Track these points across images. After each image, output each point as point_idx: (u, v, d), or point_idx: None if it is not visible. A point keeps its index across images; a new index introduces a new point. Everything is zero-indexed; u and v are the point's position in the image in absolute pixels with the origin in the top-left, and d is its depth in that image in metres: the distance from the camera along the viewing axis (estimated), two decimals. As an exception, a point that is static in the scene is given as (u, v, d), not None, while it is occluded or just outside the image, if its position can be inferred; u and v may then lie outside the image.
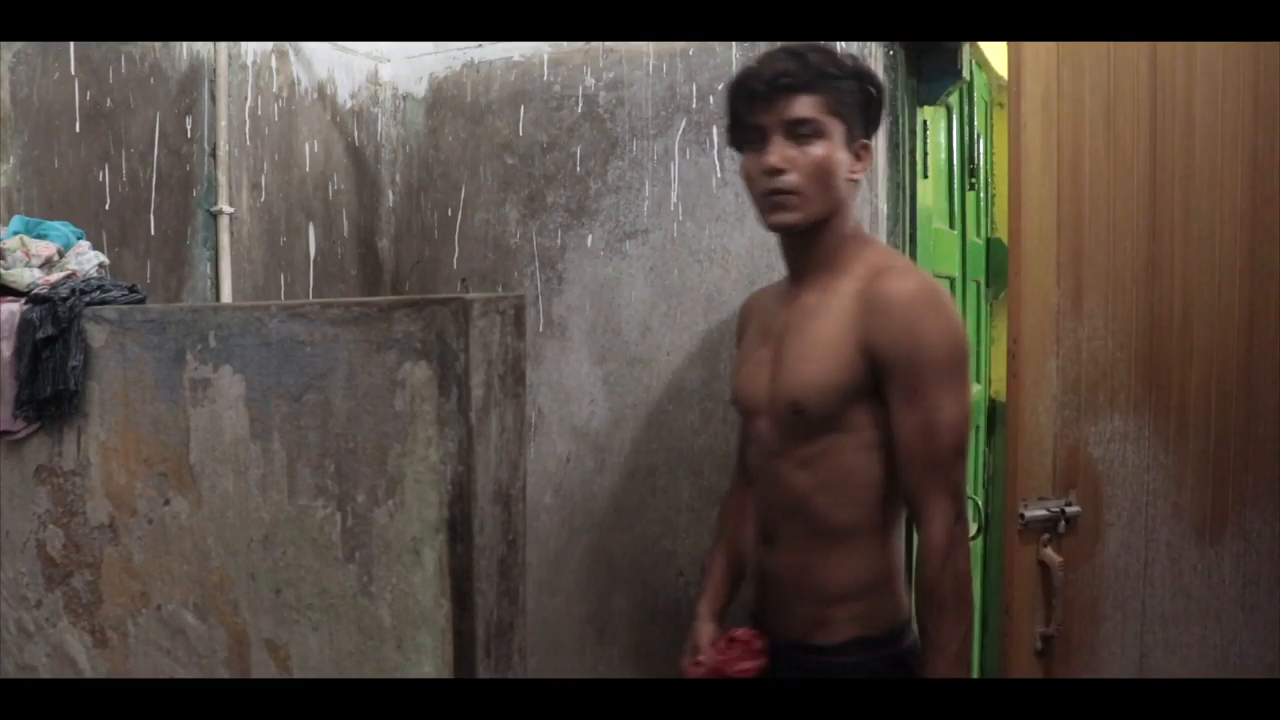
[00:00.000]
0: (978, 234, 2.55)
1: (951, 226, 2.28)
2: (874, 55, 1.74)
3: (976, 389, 2.34)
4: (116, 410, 1.20)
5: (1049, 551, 1.33)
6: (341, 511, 1.05)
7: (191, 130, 1.75)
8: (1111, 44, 1.43)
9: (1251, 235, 1.42)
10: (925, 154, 1.91)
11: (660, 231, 1.85)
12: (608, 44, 1.92)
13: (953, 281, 2.24)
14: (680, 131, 1.83)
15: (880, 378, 1.30)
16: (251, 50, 1.85)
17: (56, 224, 1.34)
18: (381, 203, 2.18)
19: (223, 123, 1.77)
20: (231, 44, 1.79)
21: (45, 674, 1.28)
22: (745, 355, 1.49)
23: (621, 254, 1.92)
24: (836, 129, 1.33)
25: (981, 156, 2.53)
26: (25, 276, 1.26)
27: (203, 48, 1.76)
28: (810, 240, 1.38)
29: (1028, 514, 1.31)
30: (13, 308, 1.23)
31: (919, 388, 1.27)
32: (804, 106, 1.32)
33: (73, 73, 1.54)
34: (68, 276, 1.28)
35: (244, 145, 1.84)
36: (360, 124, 2.12)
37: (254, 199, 1.87)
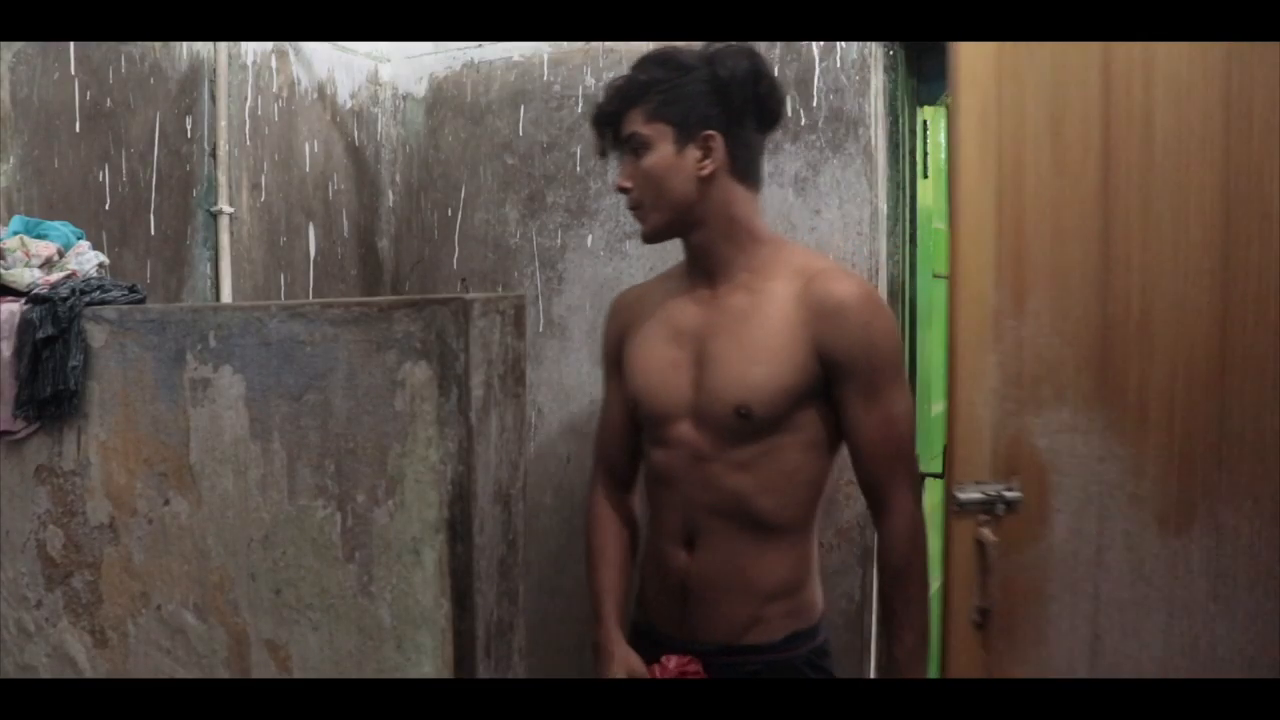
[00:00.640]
0: (978, 234, 2.54)
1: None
2: (874, 55, 1.74)
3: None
4: (116, 410, 1.20)
5: (985, 531, 1.40)
6: (341, 511, 1.05)
7: (191, 130, 1.75)
8: (1058, 54, 1.43)
9: (1225, 236, 1.42)
10: (925, 154, 1.91)
11: (660, 231, 1.85)
12: (608, 44, 1.92)
13: (953, 281, 2.23)
14: (680, 131, 1.83)
15: (833, 379, 1.34)
16: (251, 50, 1.85)
17: (56, 224, 1.34)
18: (381, 203, 2.18)
19: (223, 123, 1.77)
20: (231, 44, 1.79)
21: (45, 674, 1.28)
22: (648, 358, 1.44)
23: (621, 254, 1.92)
24: (664, 134, 1.35)
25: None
26: (25, 276, 1.25)
27: (203, 48, 1.76)
28: (697, 242, 1.40)
29: (962, 497, 1.37)
30: (13, 308, 1.23)
31: (877, 384, 1.32)
32: (629, 122, 1.37)
33: (73, 73, 1.54)
34: (68, 276, 1.28)
35: (244, 145, 1.84)
36: (360, 124, 2.12)
37: (254, 199, 1.87)
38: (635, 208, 1.39)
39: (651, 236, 1.40)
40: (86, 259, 1.33)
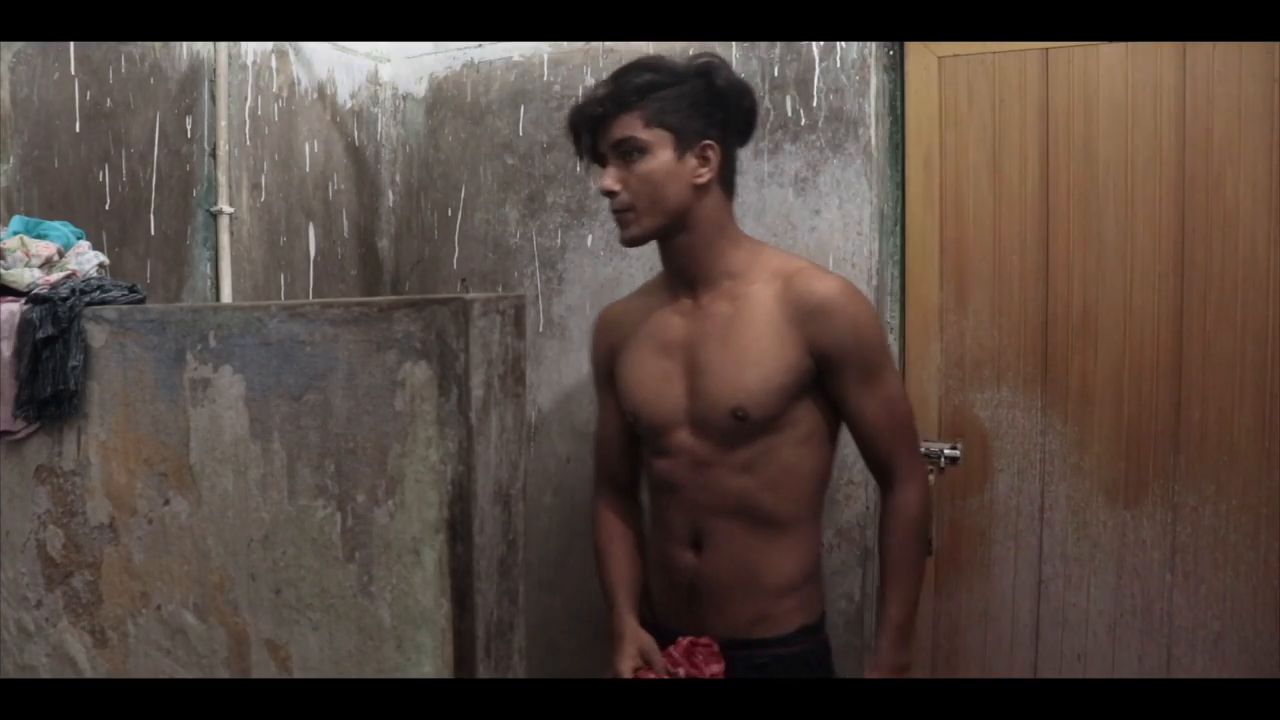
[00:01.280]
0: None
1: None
2: (874, 55, 1.74)
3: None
4: (116, 410, 1.20)
5: (929, 478, 1.65)
6: (341, 511, 1.05)
7: (191, 130, 1.75)
8: (997, 103, 1.76)
9: (1179, 239, 1.66)
10: (925, 154, 1.91)
11: (660, 231, 1.85)
12: (608, 44, 1.92)
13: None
14: (680, 131, 1.83)
15: (828, 372, 1.37)
16: (251, 50, 1.85)
17: (56, 224, 1.34)
18: (381, 203, 2.18)
19: (223, 123, 1.77)
20: (231, 44, 1.79)
21: (45, 674, 1.28)
22: (641, 372, 1.47)
23: (621, 254, 1.92)
24: (663, 140, 1.35)
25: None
26: (25, 276, 1.25)
27: (203, 48, 1.76)
28: (680, 249, 1.42)
29: None
30: (13, 308, 1.23)
31: (871, 370, 1.38)
32: (623, 126, 1.36)
33: (73, 73, 1.54)
34: (68, 276, 1.28)
35: (244, 145, 1.84)
36: (360, 124, 2.12)
37: (254, 199, 1.87)
38: (624, 211, 1.39)
39: (634, 241, 1.41)
40: (86, 259, 1.33)
